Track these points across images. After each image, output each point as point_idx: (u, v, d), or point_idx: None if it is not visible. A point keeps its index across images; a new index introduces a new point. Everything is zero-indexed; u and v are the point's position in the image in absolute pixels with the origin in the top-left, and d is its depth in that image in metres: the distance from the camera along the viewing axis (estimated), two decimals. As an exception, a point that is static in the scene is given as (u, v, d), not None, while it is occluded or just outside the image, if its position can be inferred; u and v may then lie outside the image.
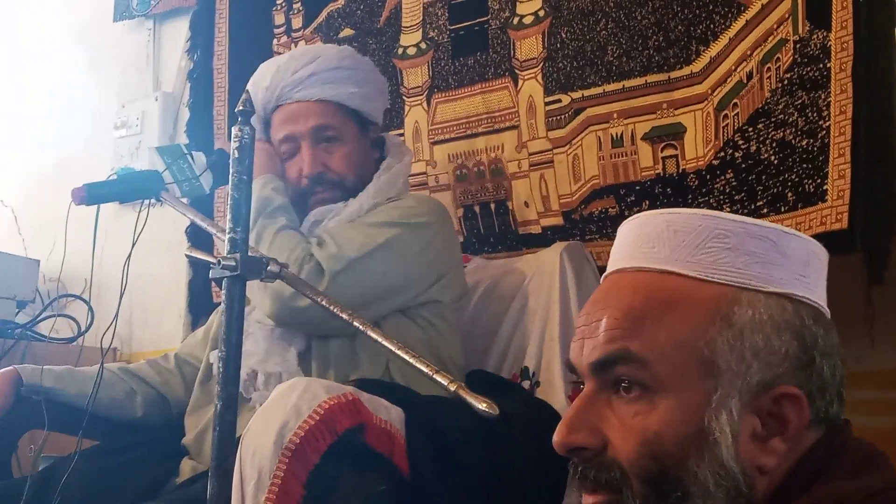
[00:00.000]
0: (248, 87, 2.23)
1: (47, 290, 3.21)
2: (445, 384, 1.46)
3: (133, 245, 1.97)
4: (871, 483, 0.92)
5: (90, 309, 2.98)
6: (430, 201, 2.31)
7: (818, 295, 1.02)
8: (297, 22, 2.98)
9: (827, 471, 0.96)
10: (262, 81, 2.23)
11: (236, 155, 1.64)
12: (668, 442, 0.95)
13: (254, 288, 1.97)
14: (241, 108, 1.66)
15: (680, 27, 2.24)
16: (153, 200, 2.05)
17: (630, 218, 1.09)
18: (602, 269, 2.26)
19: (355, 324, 1.61)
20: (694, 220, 1.01)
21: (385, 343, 1.56)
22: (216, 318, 2.30)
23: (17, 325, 2.99)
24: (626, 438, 0.97)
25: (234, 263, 1.59)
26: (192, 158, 2.10)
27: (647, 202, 2.30)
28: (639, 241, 1.04)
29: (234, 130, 1.64)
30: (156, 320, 3.20)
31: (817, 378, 0.98)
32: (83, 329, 3.01)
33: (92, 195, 2.03)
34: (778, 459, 0.96)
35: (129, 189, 2.05)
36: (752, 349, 0.97)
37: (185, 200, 2.12)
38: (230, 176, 1.63)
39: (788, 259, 1.00)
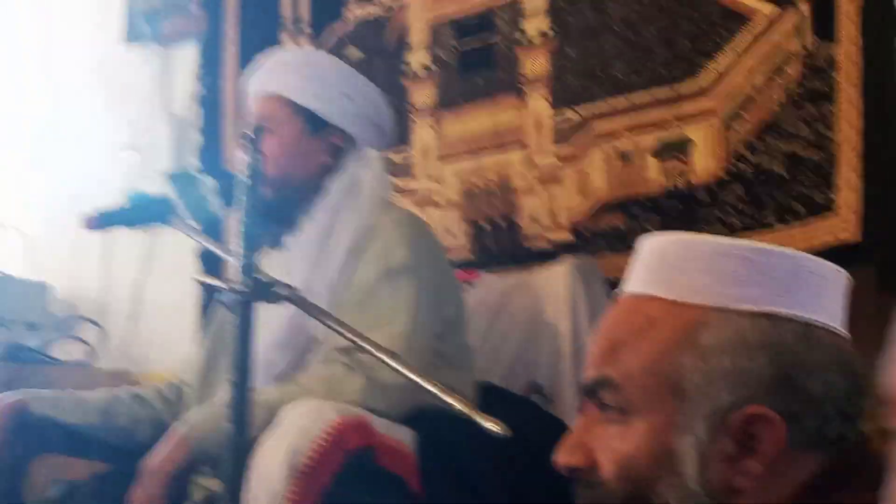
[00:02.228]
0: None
1: (60, 314, 3.22)
2: (454, 403, 1.45)
3: (144, 269, 1.99)
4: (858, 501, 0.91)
5: (101, 331, 2.99)
6: (407, 227, 2.11)
7: (813, 311, 1.00)
8: (304, 43, 2.99)
9: (819, 490, 0.95)
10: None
11: (245, 181, 1.65)
12: (641, 464, 0.97)
13: (334, 371, 1.92)
14: (250, 133, 1.67)
15: (686, 42, 2.25)
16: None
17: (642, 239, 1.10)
18: (612, 284, 2.29)
19: (380, 356, 1.59)
20: (676, 243, 1.03)
21: (403, 370, 1.56)
22: (206, 336, 2.30)
23: (28, 348, 3.01)
24: (609, 459, 0.99)
25: (244, 287, 1.59)
26: (203, 183, 2.11)
27: (657, 216, 2.31)
28: (635, 265, 1.05)
29: (243, 156, 1.65)
30: (168, 342, 3.21)
31: (802, 397, 0.97)
32: (94, 351, 3.02)
33: (103, 221, 2.04)
34: (753, 480, 0.96)
35: (139, 214, 2.06)
36: (720, 371, 0.97)
37: (196, 225, 2.13)
38: (241, 201, 1.64)
39: (769, 277, 1.00)
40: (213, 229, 2.73)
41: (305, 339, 2.05)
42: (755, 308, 0.98)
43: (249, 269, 1.61)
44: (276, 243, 2.14)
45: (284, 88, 2.14)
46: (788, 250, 1.02)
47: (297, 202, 2.10)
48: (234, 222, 1.67)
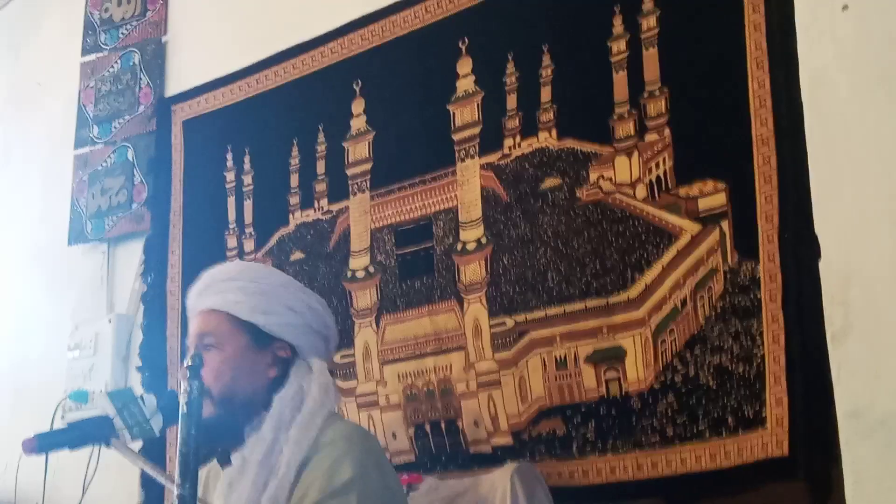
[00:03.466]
0: None
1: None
2: None
3: (84, 492, 1.98)
4: None
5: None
6: (354, 442, 2.08)
7: None
8: (248, 245, 3.06)
9: None
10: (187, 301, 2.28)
11: (184, 410, 1.67)
12: None
13: None
14: (189, 362, 1.70)
15: (615, 255, 2.33)
16: (104, 443, 2.05)
17: None
18: (553, 489, 2.31)
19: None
20: None
21: None
22: None
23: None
24: None
25: (181, 522, 1.59)
26: (143, 401, 2.12)
27: (593, 423, 2.35)
28: None
29: (182, 385, 1.67)
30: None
31: None
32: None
33: (42, 444, 2.05)
34: None
35: (79, 436, 2.07)
36: None
37: (137, 441, 2.13)
38: (178, 431, 1.66)
39: None
40: (156, 445, 2.74)
41: None
42: None
43: (185, 500, 1.62)
44: (224, 460, 2.14)
45: (226, 304, 2.17)
46: None
47: (245, 417, 2.11)
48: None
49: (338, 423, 2.16)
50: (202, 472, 2.28)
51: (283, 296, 2.22)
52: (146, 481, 2.83)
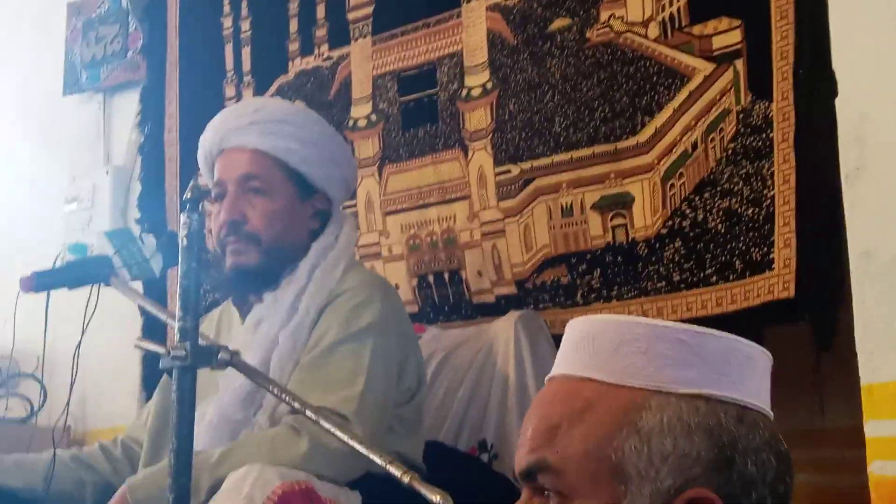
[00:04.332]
0: (201, 137, 2.21)
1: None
2: (399, 475, 1.45)
3: (83, 331, 1.97)
4: None
5: (43, 388, 2.93)
6: (375, 290, 2.11)
7: (745, 392, 1.02)
8: (247, 94, 2.99)
9: None
10: (210, 127, 2.17)
11: (184, 243, 1.63)
12: None
13: (279, 433, 1.90)
14: (189, 194, 1.66)
15: (625, 99, 2.27)
16: (103, 282, 2.03)
17: (570, 321, 1.10)
18: (556, 338, 2.30)
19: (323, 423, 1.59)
20: (609, 325, 1.03)
21: (346, 439, 1.55)
22: (157, 396, 2.27)
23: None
24: None
25: (183, 353, 1.57)
26: (142, 241, 2.10)
27: (598, 271, 2.32)
28: (566, 346, 1.06)
29: (183, 218, 1.63)
30: (109, 397, 3.16)
31: (739, 478, 0.99)
32: (36, 408, 2.97)
33: (40, 283, 2.02)
34: None
35: (77, 275, 2.04)
36: (660, 453, 0.98)
37: (137, 283, 2.11)
38: (178, 264, 1.62)
39: (703, 359, 1.01)
40: (156, 288, 2.71)
41: (263, 396, 2.03)
42: (692, 390, 1.00)
43: (187, 334, 1.59)
44: (258, 297, 2.13)
45: (277, 149, 2.10)
46: (719, 333, 1.03)
47: (285, 265, 2.10)
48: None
49: (358, 270, 2.18)
50: (214, 313, 2.28)
51: (331, 148, 2.19)
52: (150, 317, 2.79)
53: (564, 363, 1.05)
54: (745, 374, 1.03)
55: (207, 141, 2.17)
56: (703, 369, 1.00)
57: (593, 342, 1.03)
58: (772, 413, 1.04)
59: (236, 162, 2.10)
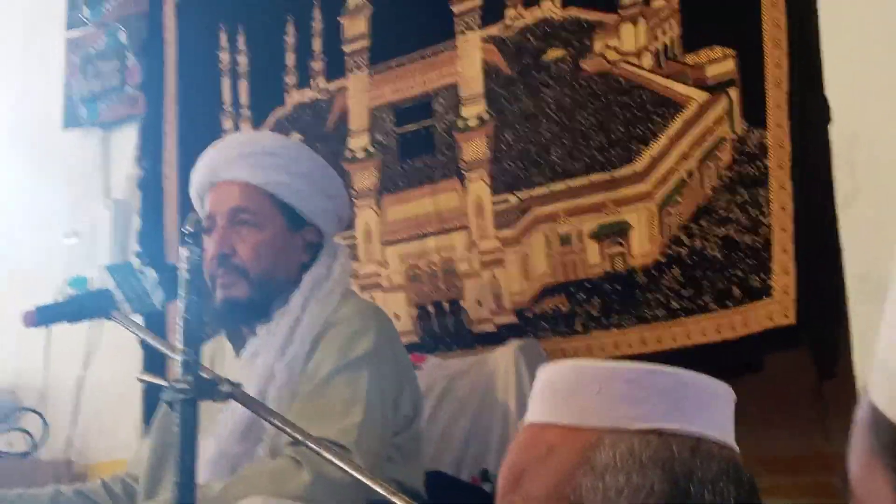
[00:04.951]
0: (192, 171, 2.22)
1: (2, 405, 3.16)
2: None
3: (87, 359, 1.98)
4: None
5: (44, 422, 2.94)
6: (369, 319, 2.11)
7: (701, 425, 1.05)
8: (245, 127, 3.01)
9: None
10: (201, 161, 2.18)
11: (186, 276, 1.64)
12: None
13: (281, 465, 1.91)
14: (189, 227, 1.67)
15: (620, 128, 2.29)
16: (104, 316, 2.03)
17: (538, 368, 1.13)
18: (556, 366, 2.30)
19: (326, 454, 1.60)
20: (566, 371, 1.06)
21: (349, 469, 1.56)
22: (154, 433, 2.27)
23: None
24: None
25: (187, 385, 1.58)
26: (143, 275, 2.10)
27: (598, 299, 2.33)
28: (533, 394, 1.10)
29: (183, 251, 1.64)
30: (110, 428, 3.16)
31: None
32: (37, 442, 2.97)
33: (43, 317, 2.02)
34: None
35: (79, 309, 2.04)
36: (615, 489, 1.00)
37: (138, 318, 2.11)
38: (179, 298, 1.63)
39: (656, 395, 1.03)
40: (157, 321, 2.72)
41: (262, 429, 2.04)
42: (646, 426, 1.02)
43: (190, 366, 1.60)
44: (251, 330, 2.14)
45: (268, 182, 2.11)
46: (672, 369, 1.06)
47: (275, 297, 2.10)
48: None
49: (353, 300, 2.18)
50: (206, 347, 2.28)
51: (322, 180, 2.18)
52: (151, 350, 2.80)
53: (532, 410, 1.09)
54: (702, 407, 1.05)
55: (198, 175, 2.18)
56: (657, 404, 1.03)
57: (553, 388, 1.06)
58: (734, 444, 1.06)
59: (226, 195, 2.11)
